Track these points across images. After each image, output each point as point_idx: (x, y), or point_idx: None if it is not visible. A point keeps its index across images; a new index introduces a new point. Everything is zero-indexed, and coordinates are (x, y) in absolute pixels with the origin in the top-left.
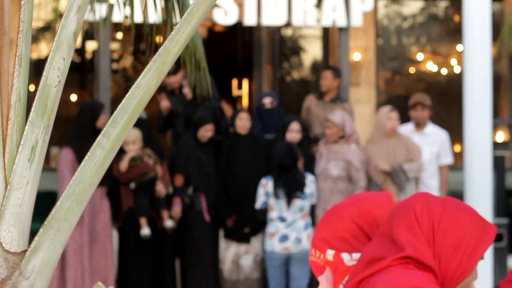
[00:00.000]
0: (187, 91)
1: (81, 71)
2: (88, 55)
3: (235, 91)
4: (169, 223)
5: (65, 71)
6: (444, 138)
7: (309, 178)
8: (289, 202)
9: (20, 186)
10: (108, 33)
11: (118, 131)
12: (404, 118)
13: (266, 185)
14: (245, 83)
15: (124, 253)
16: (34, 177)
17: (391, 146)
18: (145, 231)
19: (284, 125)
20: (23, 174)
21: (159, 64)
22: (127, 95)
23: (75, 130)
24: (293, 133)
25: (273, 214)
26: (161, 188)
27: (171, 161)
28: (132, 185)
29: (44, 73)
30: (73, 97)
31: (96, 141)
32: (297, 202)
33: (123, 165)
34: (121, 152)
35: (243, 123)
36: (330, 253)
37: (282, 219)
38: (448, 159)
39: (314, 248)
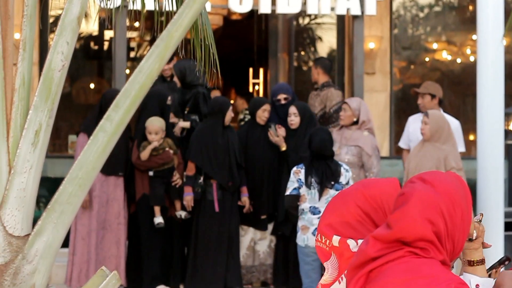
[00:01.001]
0: (176, 79)
1: (99, 60)
2: (106, 44)
3: (251, 80)
4: (182, 214)
5: (69, 55)
6: (456, 126)
7: (344, 167)
8: (321, 192)
9: (24, 170)
10: (124, 21)
11: (121, 115)
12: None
13: (298, 173)
14: (261, 71)
15: (136, 238)
16: (38, 161)
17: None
18: (159, 219)
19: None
20: (27, 158)
21: (161, 48)
22: (129, 79)
23: (91, 116)
24: (291, 116)
25: (304, 205)
26: (177, 178)
27: (185, 150)
28: (151, 173)
29: (48, 57)
30: (92, 86)
31: (99, 125)
32: (330, 192)
33: (145, 154)
34: (143, 139)
35: (265, 114)
36: (336, 239)
37: (314, 211)
38: (461, 147)
39: (320, 234)
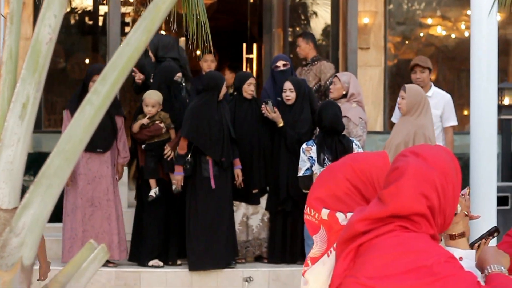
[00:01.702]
0: (150, 54)
1: (94, 35)
2: (100, 19)
3: (244, 55)
4: (175, 188)
5: (56, 28)
6: (447, 100)
7: (355, 143)
8: None
9: (12, 143)
10: None
11: (108, 88)
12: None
13: (309, 151)
14: (255, 47)
15: (140, 209)
16: (26, 134)
17: None
18: (151, 192)
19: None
20: (15, 131)
21: (148, 21)
22: (116, 51)
23: (75, 93)
24: (287, 92)
25: None
26: (168, 151)
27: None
28: (143, 146)
29: (36, 30)
30: (87, 61)
31: (86, 98)
32: None
33: (136, 126)
34: (139, 113)
35: (251, 88)
36: (324, 212)
37: None
38: (452, 121)
39: (309, 207)
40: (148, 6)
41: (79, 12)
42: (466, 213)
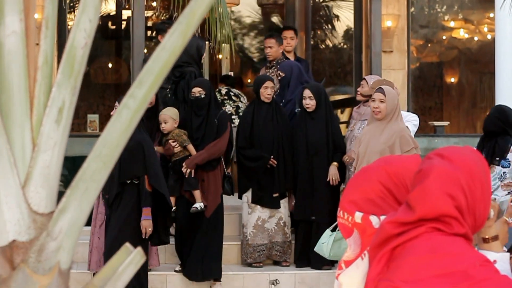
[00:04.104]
0: None
1: (117, 40)
2: (123, 24)
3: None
4: (194, 208)
5: (92, 33)
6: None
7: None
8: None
9: (48, 147)
10: (143, 0)
11: (144, 92)
12: (436, 86)
13: None
14: None
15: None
16: (62, 138)
17: None
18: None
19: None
20: (51, 135)
21: (184, 25)
22: (152, 56)
23: None
24: (307, 99)
25: None
26: (185, 169)
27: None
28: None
29: (71, 35)
30: (110, 65)
31: (122, 102)
32: (496, 170)
33: (158, 148)
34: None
35: (268, 91)
36: (358, 215)
37: None
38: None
39: (342, 210)
40: (183, 11)
41: (102, 16)
42: (507, 219)
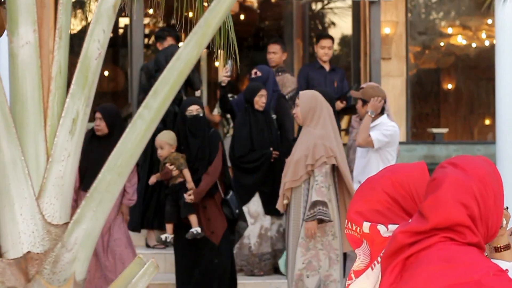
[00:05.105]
0: None
1: (114, 47)
2: (121, 31)
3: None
4: (191, 232)
5: (105, 43)
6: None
7: None
8: None
9: (62, 158)
10: (141, 8)
11: (159, 103)
12: (433, 92)
13: None
14: None
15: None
16: (76, 149)
17: None
18: (166, 235)
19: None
20: (65, 146)
21: (199, 35)
22: (168, 66)
23: None
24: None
25: None
26: (188, 195)
27: None
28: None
29: (85, 45)
30: (106, 73)
31: (137, 113)
32: None
33: (155, 175)
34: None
35: (262, 100)
36: (366, 226)
37: None
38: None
39: (350, 221)
40: (198, 21)
41: None
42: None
